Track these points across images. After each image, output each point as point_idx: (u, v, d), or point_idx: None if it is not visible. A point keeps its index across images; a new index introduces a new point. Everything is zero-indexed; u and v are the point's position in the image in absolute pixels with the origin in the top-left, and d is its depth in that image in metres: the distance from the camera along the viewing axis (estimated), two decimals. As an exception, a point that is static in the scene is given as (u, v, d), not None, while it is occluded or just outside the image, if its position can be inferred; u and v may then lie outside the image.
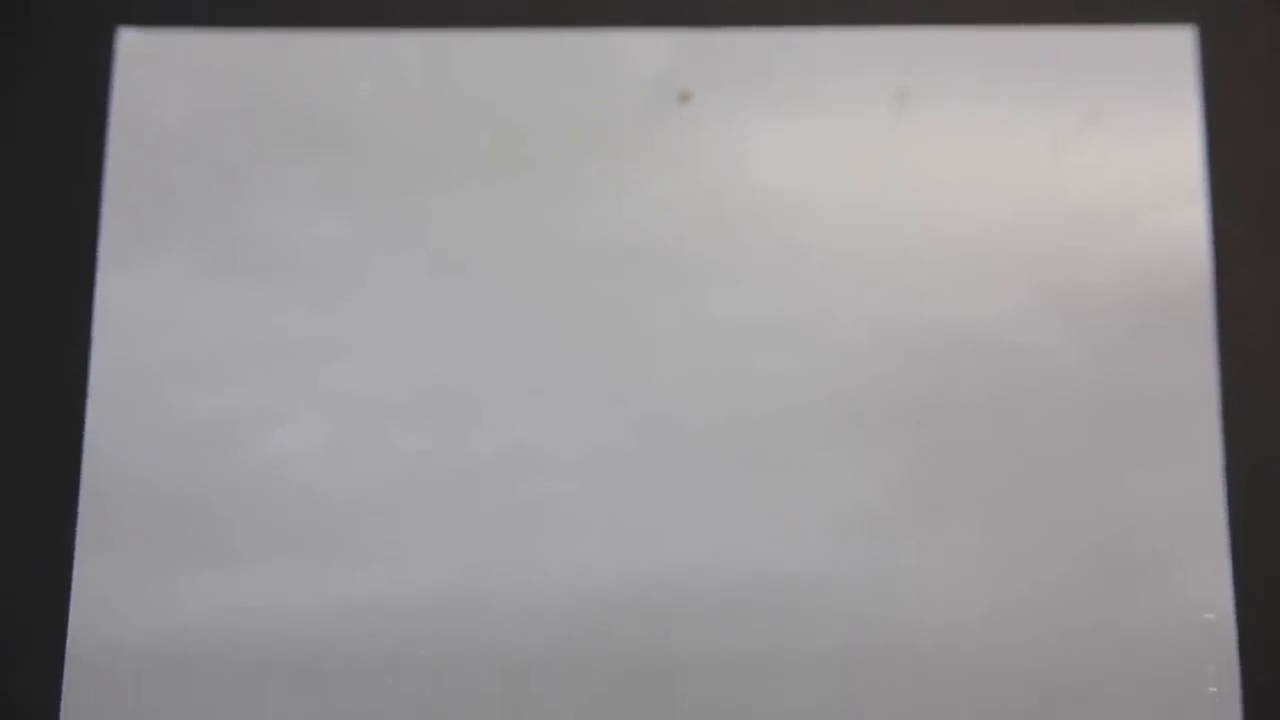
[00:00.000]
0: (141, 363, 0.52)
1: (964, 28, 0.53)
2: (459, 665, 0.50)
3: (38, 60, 0.54)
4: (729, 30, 0.54)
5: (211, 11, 0.54)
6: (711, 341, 0.51)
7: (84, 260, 0.52)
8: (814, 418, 0.51)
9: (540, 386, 0.51)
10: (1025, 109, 0.53)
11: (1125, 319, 0.52)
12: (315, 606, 0.50)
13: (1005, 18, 0.53)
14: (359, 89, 0.53)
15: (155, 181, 0.53)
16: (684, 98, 0.53)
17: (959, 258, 0.52)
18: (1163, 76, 0.53)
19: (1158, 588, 0.50)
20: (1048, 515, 0.50)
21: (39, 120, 0.53)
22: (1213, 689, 0.50)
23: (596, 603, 0.50)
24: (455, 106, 0.53)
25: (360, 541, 0.50)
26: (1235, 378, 0.51)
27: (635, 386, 0.51)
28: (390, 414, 0.51)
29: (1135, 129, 0.53)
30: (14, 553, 0.51)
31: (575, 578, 0.50)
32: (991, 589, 0.50)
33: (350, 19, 0.54)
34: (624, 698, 0.50)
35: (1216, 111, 0.53)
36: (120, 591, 0.50)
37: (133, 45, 0.54)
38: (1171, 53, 0.53)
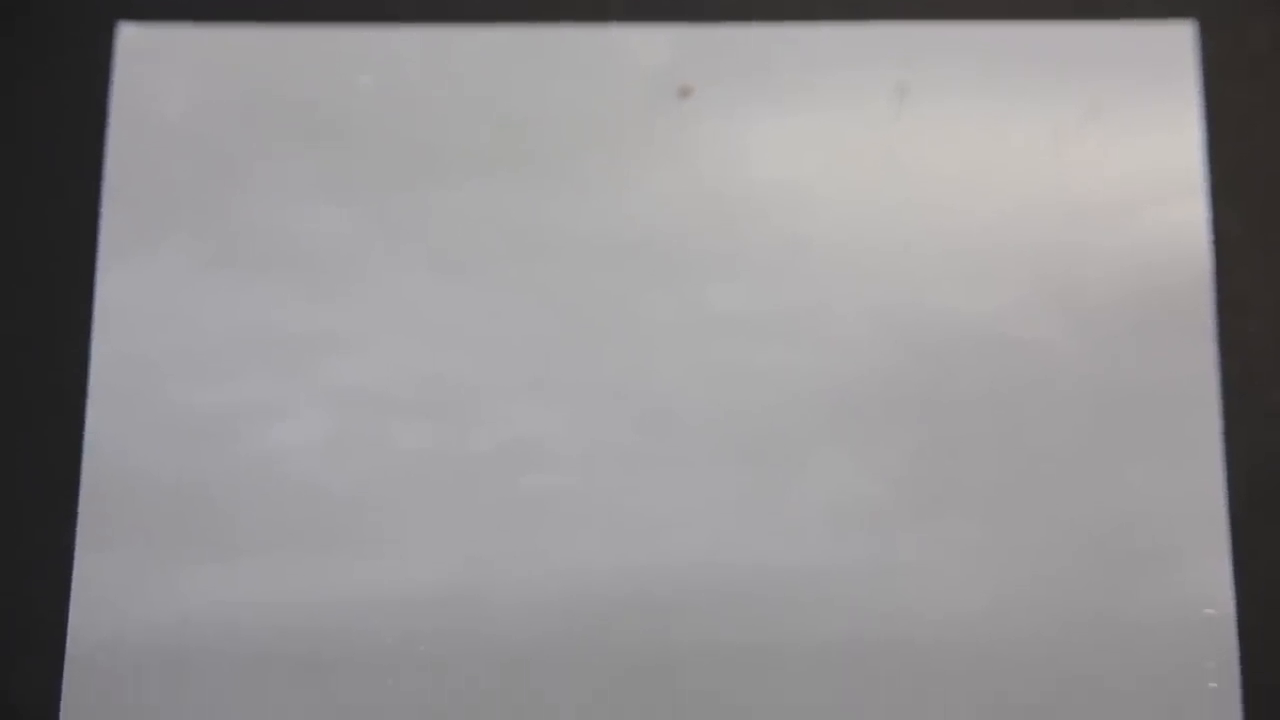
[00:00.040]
0: (141, 357, 0.51)
1: (964, 22, 0.53)
2: (459, 660, 0.50)
3: (37, 55, 0.54)
4: (729, 25, 0.54)
5: (211, 6, 0.54)
6: (712, 336, 0.51)
7: (84, 255, 0.52)
8: (814, 412, 0.51)
9: (540, 381, 0.51)
10: (1025, 104, 0.53)
11: (1125, 314, 0.52)
12: (315, 601, 0.50)
13: (1005, 13, 0.53)
14: (359, 83, 0.53)
15: (155, 176, 0.53)
16: (684, 93, 0.53)
17: (959, 252, 0.52)
18: (1163, 72, 0.53)
19: (1158, 583, 0.50)
20: (1048, 510, 0.50)
21: (39, 115, 0.53)
22: (1213, 684, 0.50)
23: (596, 597, 0.50)
24: (455, 101, 0.53)
25: (360, 536, 0.50)
26: (1235, 374, 0.51)
27: (635, 381, 0.51)
28: (390, 408, 0.51)
29: (1135, 124, 0.53)
30: (14, 547, 0.51)
31: (575, 572, 0.50)
32: (991, 583, 0.50)
33: (350, 14, 0.54)
34: (624, 692, 0.50)
35: (1217, 107, 0.53)
36: (120, 586, 0.50)
37: (132, 40, 0.54)
38: (1172, 48, 0.53)
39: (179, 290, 0.52)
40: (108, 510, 0.51)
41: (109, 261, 0.52)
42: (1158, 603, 0.50)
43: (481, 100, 0.53)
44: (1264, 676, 0.50)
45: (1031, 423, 0.51)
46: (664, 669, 0.50)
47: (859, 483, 0.51)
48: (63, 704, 0.50)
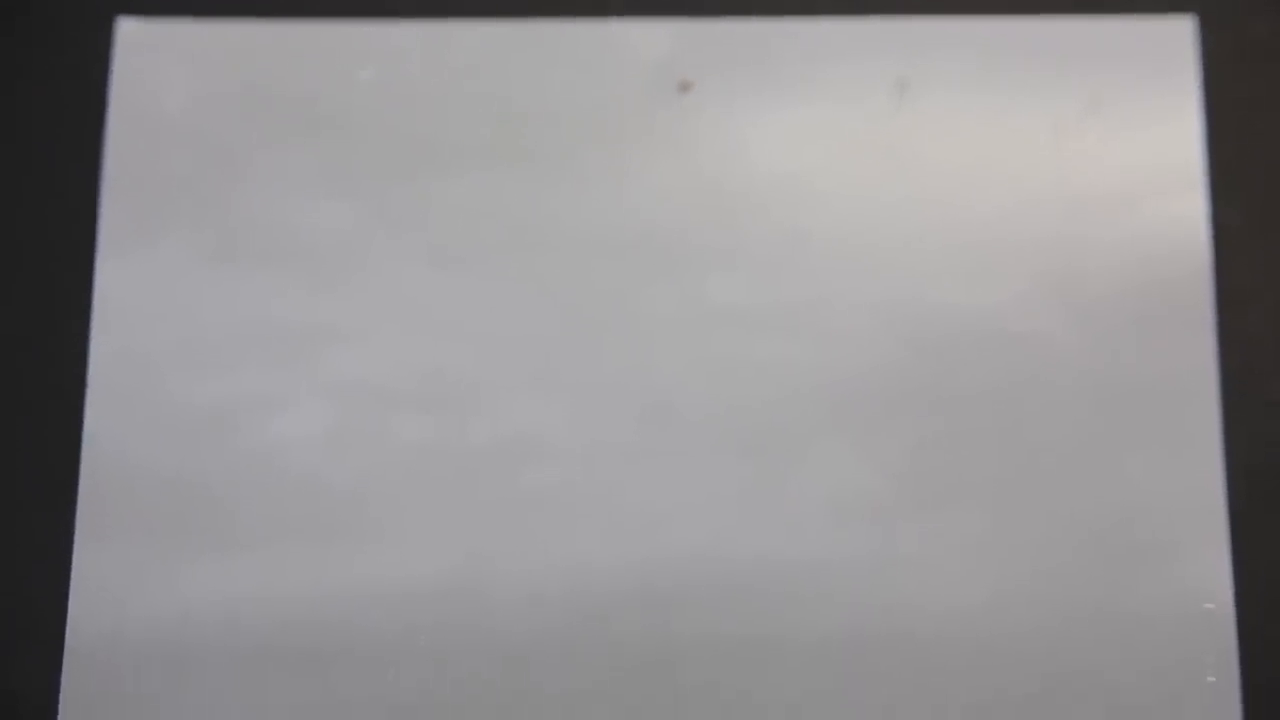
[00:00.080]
0: (141, 350, 0.51)
1: (964, 17, 0.53)
2: (459, 653, 0.50)
3: (37, 50, 0.54)
4: (729, 19, 0.54)
5: (210, 1, 0.54)
6: (712, 329, 0.51)
7: (83, 248, 0.52)
8: (814, 405, 0.51)
9: (541, 374, 0.51)
10: (1025, 98, 0.53)
11: (1125, 307, 0.52)
12: (315, 594, 0.50)
13: (1005, 7, 0.53)
14: (359, 77, 0.53)
15: (154, 170, 0.53)
16: (684, 87, 0.53)
17: (959, 245, 0.52)
18: (1163, 66, 0.53)
19: (1157, 577, 0.50)
20: (1048, 503, 0.50)
21: (38, 109, 0.53)
22: (1211, 678, 0.50)
23: (597, 591, 0.50)
24: (456, 95, 0.53)
25: (361, 529, 0.50)
26: (1235, 367, 0.51)
27: (636, 374, 0.51)
28: (391, 401, 0.51)
29: (1135, 118, 0.53)
30: (13, 541, 0.51)
31: (576, 566, 0.50)
32: (992, 577, 0.50)
33: (350, 8, 0.54)
34: (625, 685, 0.50)
35: (1216, 101, 0.53)
36: (120, 580, 0.50)
37: (131, 34, 0.54)
38: (1172, 42, 0.53)
39: (178, 284, 0.52)
40: (107, 504, 0.51)
41: (108, 255, 0.52)
42: (1157, 596, 0.50)
43: (482, 94, 0.53)
44: (1263, 670, 0.50)
45: (1031, 416, 0.51)
46: (665, 662, 0.50)
47: (859, 476, 0.51)
48: (62, 698, 0.50)
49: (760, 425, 0.51)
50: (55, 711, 0.50)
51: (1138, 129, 0.53)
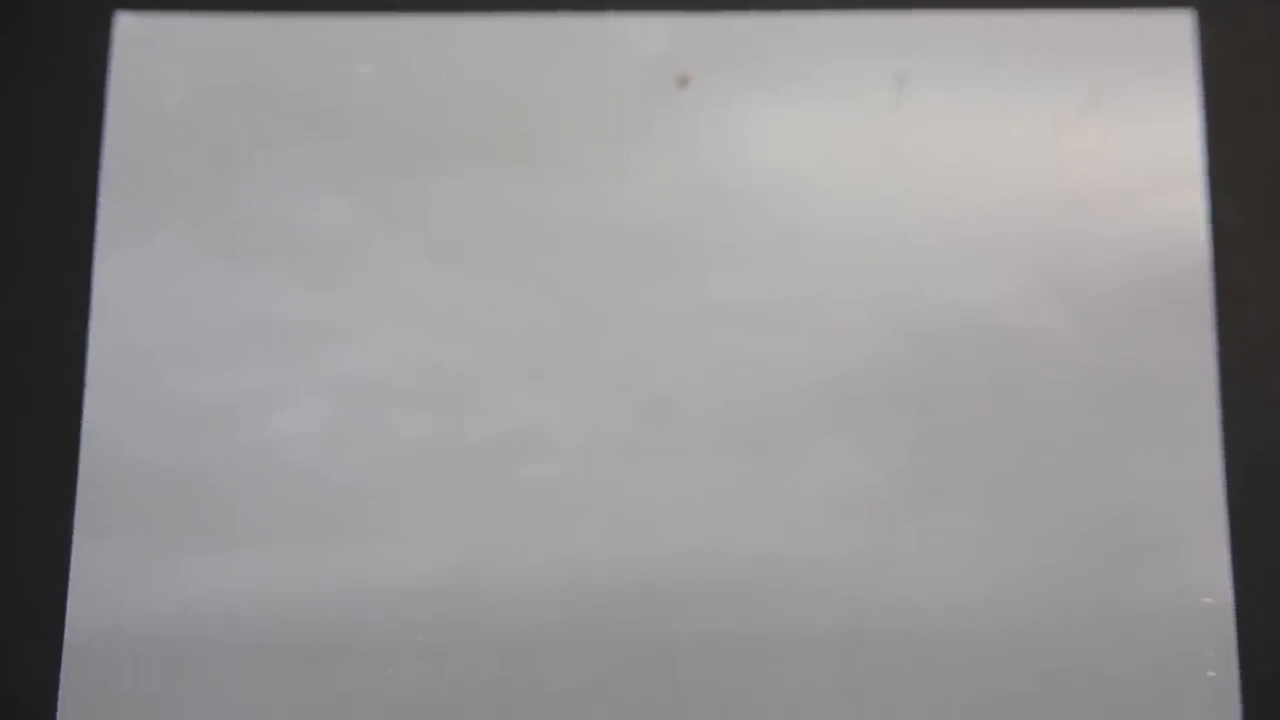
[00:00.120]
0: (139, 346, 0.51)
1: (963, 12, 0.53)
2: (459, 649, 0.50)
3: (36, 45, 0.54)
4: (727, 14, 0.54)
5: (209, -4, 0.54)
6: (711, 325, 0.51)
7: (81, 244, 0.52)
8: (814, 401, 0.51)
9: (540, 370, 0.51)
10: (1025, 93, 0.53)
11: (1124, 303, 0.52)
12: (315, 590, 0.50)
13: (1005, 2, 0.53)
14: (358, 72, 0.53)
15: (153, 165, 0.53)
16: (682, 82, 0.53)
17: (958, 241, 0.52)
18: (1162, 61, 0.53)
19: (1157, 572, 0.50)
20: (1047, 499, 0.50)
21: (37, 105, 0.53)
22: (1211, 674, 0.50)
23: (596, 587, 0.50)
24: (455, 91, 0.53)
25: (360, 525, 0.50)
26: (1234, 363, 0.51)
27: (635, 370, 0.51)
28: (390, 398, 0.51)
29: (1135, 114, 0.53)
30: (12, 537, 0.51)
31: (575, 562, 0.50)
32: (991, 573, 0.50)
33: (349, 3, 0.54)
34: (624, 682, 0.50)
35: (1216, 96, 0.53)
36: (119, 576, 0.50)
37: (130, 30, 0.54)
38: (1171, 37, 0.53)
39: (177, 279, 0.52)
40: (106, 500, 0.51)
41: (107, 251, 0.52)
42: (1156, 592, 0.50)
43: (480, 90, 0.53)
44: (1262, 665, 0.50)
45: (1031, 412, 0.51)
46: (664, 658, 0.50)
47: (858, 472, 0.51)
48: (61, 693, 0.50)
49: (759, 421, 0.51)
50: (54, 707, 0.50)
51: (1137, 124, 0.53)
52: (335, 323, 0.52)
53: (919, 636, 0.50)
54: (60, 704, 0.50)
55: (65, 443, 0.51)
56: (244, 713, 0.50)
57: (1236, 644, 0.50)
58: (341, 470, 0.51)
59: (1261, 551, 0.50)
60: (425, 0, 0.54)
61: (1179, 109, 0.53)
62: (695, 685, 0.50)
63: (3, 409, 0.51)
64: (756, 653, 0.50)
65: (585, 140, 0.53)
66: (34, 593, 0.50)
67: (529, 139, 0.53)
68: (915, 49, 0.53)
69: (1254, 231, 0.52)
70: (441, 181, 0.52)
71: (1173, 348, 0.51)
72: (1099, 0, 0.53)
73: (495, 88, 0.53)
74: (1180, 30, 0.53)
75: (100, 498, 0.51)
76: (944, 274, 0.52)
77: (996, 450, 0.51)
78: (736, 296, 0.52)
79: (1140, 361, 0.51)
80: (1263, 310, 0.52)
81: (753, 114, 0.53)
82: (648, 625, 0.50)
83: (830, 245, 0.52)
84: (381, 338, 0.51)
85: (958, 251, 0.52)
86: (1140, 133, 0.53)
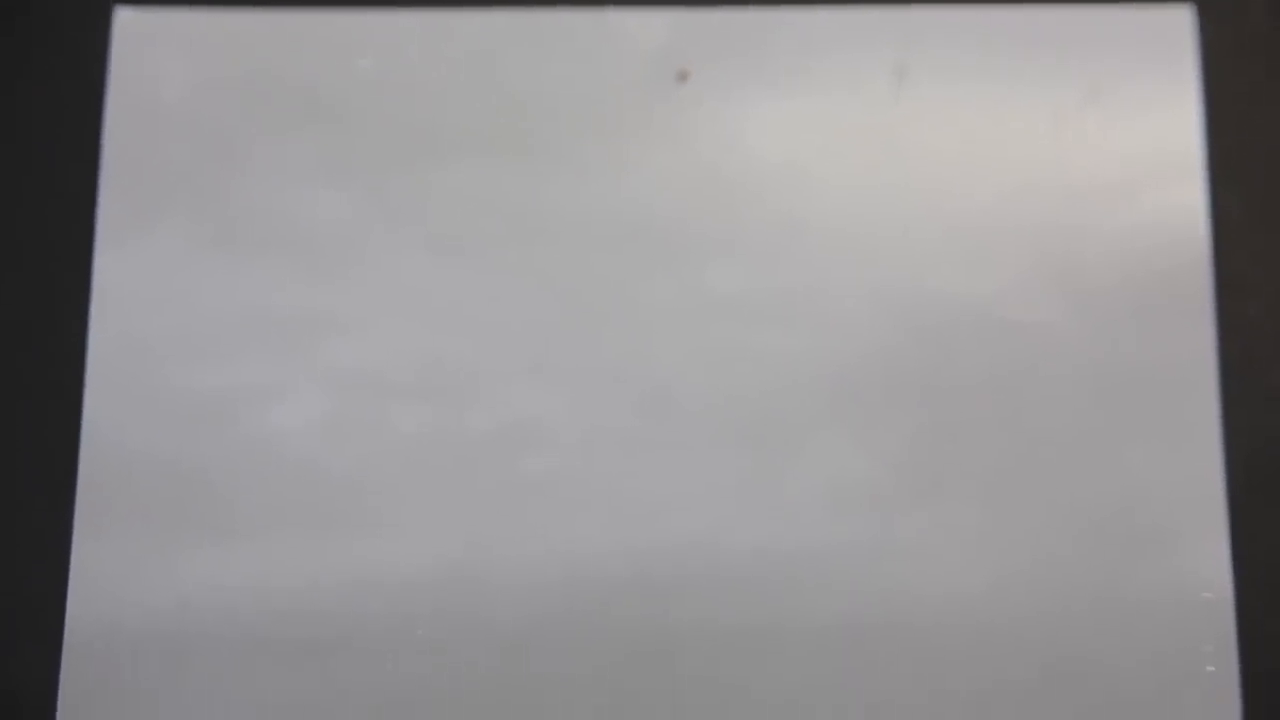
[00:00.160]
0: (140, 339, 0.51)
1: (962, 5, 0.53)
2: (458, 642, 0.50)
3: (36, 40, 0.54)
4: (726, 8, 0.54)
5: (209, -10, 0.54)
6: (711, 318, 0.51)
7: (82, 237, 0.52)
8: (813, 394, 0.51)
9: (539, 363, 0.51)
10: (1024, 86, 0.53)
11: (1124, 296, 0.52)
12: (314, 584, 0.50)
13: (1004, -4, 0.54)
14: (358, 66, 0.53)
15: (153, 158, 0.53)
16: (681, 76, 0.53)
17: (958, 234, 0.52)
18: (1162, 55, 0.53)
19: (1156, 566, 0.50)
20: (1046, 492, 0.50)
21: (37, 99, 0.53)
22: (1210, 668, 0.50)
23: (596, 580, 0.50)
24: (454, 84, 0.53)
25: (359, 518, 0.50)
26: (1234, 356, 0.51)
27: (634, 363, 0.51)
28: (389, 391, 0.51)
29: (1134, 107, 0.53)
30: (12, 531, 0.51)
31: (574, 554, 0.50)
32: (990, 566, 0.50)
33: (348, -3, 0.54)
34: (623, 674, 0.50)
35: (1215, 90, 0.53)
36: (119, 570, 0.50)
37: (130, 24, 0.54)
38: (1170, 31, 0.53)
39: (177, 272, 0.52)
40: (106, 493, 0.51)
41: (107, 244, 0.52)
42: (1156, 586, 0.50)
43: (480, 83, 0.53)
44: (1262, 660, 0.50)
45: (1030, 405, 0.51)
46: (663, 651, 0.50)
47: (858, 465, 0.51)
48: (61, 688, 0.50)
49: (759, 413, 0.51)
50: (54, 700, 0.50)
51: (1137, 117, 0.53)
52: (335, 316, 0.52)
53: (918, 628, 0.50)
54: (60, 698, 0.50)
55: (66, 435, 0.51)
56: (244, 706, 0.50)
57: (1236, 639, 0.50)
58: (341, 463, 0.51)
59: (1261, 545, 0.50)
60: (425, -7, 0.54)
61: (1178, 102, 0.53)
62: (695, 678, 0.50)
63: (3, 402, 0.51)
64: (756, 645, 0.50)
65: (585, 134, 0.53)
66: (34, 586, 0.50)
67: (528, 132, 0.53)
68: (915, 42, 0.53)
69: (1254, 224, 0.52)
70: (441, 175, 0.52)
71: (1172, 340, 0.51)
72: (1098, -6, 0.54)
73: (495, 81, 0.53)
74: (1179, 23, 0.53)
75: (101, 491, 0.51)
76: (943, 266, 0.52)
77: (996, 443, 0.51)
78: (736, 289, 0.52)
79: (1140, 354, 0.51)
80: (1262, 303, 0.52)
81: (752, 107, 0.53)
82: (647, 618, 0.50)
83: (830, 238, 0.52)
84: (381, 330, 0.51)
85: (957, 244, 0.52)
86: (1140, 126, 0.53)
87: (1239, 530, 0.50)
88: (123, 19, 0.54)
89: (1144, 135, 0.53)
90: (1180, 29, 0.53)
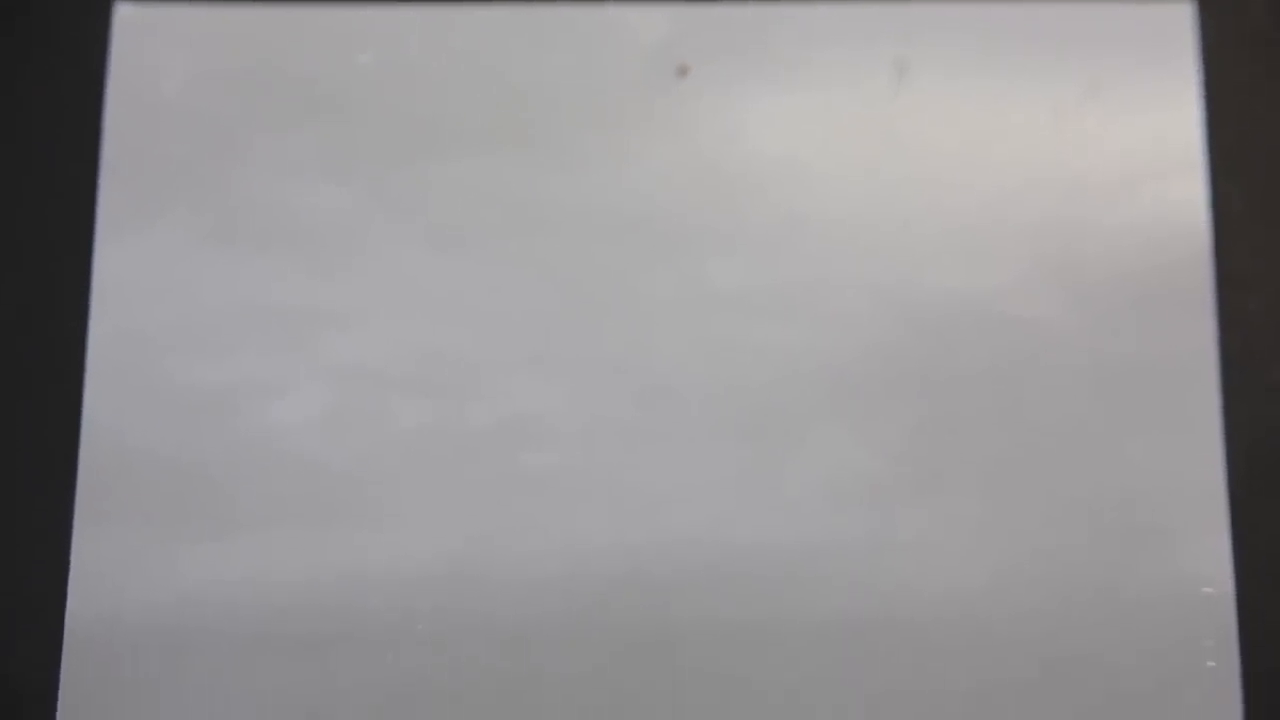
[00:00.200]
0: (140, 333, 0.51)
1: (963, 1, 0.53)
2: (458, 636, 0.50)
3: (36, 33, 0.54)
4: (727, 3, 0.54)
5: (209, -15, 0.54)
6: (711, 312, 0.51)
7: (82, 231, 0.52)
8: (813, 388, 0.51)
9: (540, 356, 0.51)
10: (1025, 82, 0.53)
11: (1125, 290, 0.52)
12: (314, 578, 0.50)
13: (1005, -10, 0.54)
14: (358, 60, 0.53)
15: (153, 152, 0.53)
16: (682, 71, 0.53)
17: (958, 229, 0.52)
18: (1162, 49, 0.53)
19: (1156, 561, 0.50)
20: (1047, 486, 0.50)
21: (38, 93, 0.53)
22: (1211, 663, 0.50)
23: (596, 574, 0.50)
24: (455, 77, 0.53)
25: (360, 513, 0.50)
26: (1235, 350, 0.51)
27: (635, 357, 0.51)
28: (389, 384, 0.51)
29: (1135, 102, 0.53)
30: (12, 525, 0.51)
31: (574, 548, 0.50)
32: (990, 560, 0.50)
33: (349, -9, 0.54)
34: (623, 669, 0.50)
35: (1215, 84, 0.53)
36: (119, 564, 0.50)
37: (130, 18, 0.54)
38: (1171, 26, 0.53)
39: (177, 266, 0.52)
40: (106, 487, 0.51)
41: (107, 238, 0.52)
42: (1156, 581, 0.50)
43: (481, 77, 0.53)
44: (1262, 654, 0.50)
45: (1030, 399, 0.51)
46: (663, 645, 0.50)
47: (858, 459, 0.51)
48: (61, 682, 0.50)
49: (759, 407, 0.51)
50: (54, 694, 0.50)
51: (1137, 113, 0.53)
52: (335, 309, 0.51)
53: (918, 623, 0.50)
54: (60, 692, 0.50)
55: (66, 429, 0.51)
56: (243, 701, 0.50)
57: (1236, 633, 0.50)
58: (341, 457, 0.51)
59: (1262, 540, 0.50)
60: (425, -13, 0.54)
61: (1179, 96, 0.53)
62: (695, 672, 0.50)
63: (4, 396, 0.51)
64: (756, 639, 0.50)
65: (585, 127, 0.53)
66: (34, 580, 0.50)
67: (529, 126, 0.53)
68: (915, 36, 0.53)
69: (1254, 218, 0.52)
70: (441, 168, 0.52)
71: (1173, 334, 0.51)
72: (1099, -12, 0.54)
73: (495, 75, 0.53)
74: (1180, 19, 0.53)
75: (101, 485, 0.51)
76: (944, 261, 0.52)
77: (996, 437, 0.51)
78: (736, 283, 0.52)
79: (1140, 348, 0.51)
80: (1263, 297, 0.52)
81: (752, 102, 0.53)
82: (647, 612, 0.50)
83: (830, 232, 0.52)
84: (381, 324, 0.51)
85: (958, 238, 0.52)
86: (1140, 120, 0.53)
87: (1240, 525, 0.50)
88: (123, 13, 0.54)
89: (1144, 131, 0.53)
90: (1180, 24, 0.53)
